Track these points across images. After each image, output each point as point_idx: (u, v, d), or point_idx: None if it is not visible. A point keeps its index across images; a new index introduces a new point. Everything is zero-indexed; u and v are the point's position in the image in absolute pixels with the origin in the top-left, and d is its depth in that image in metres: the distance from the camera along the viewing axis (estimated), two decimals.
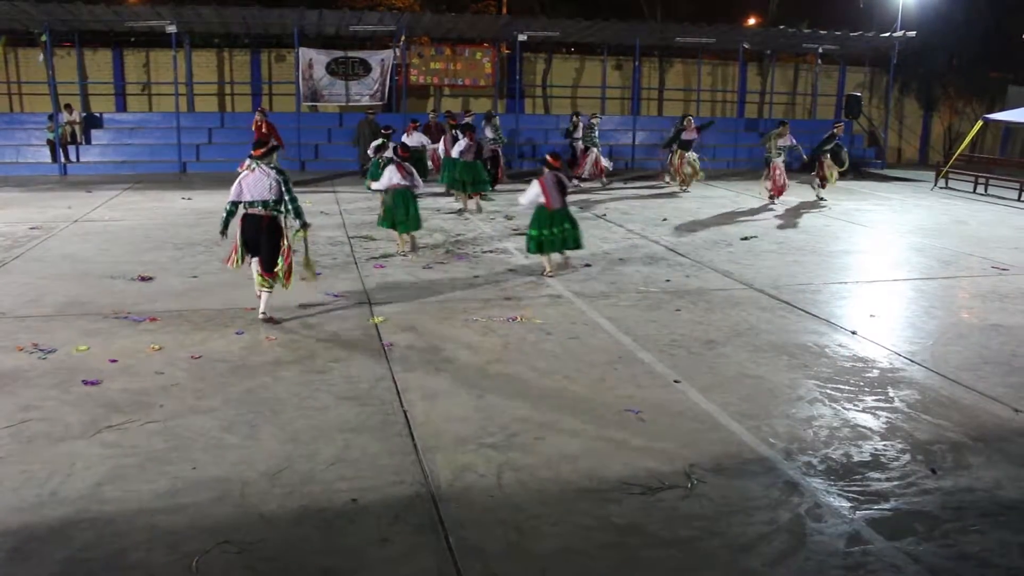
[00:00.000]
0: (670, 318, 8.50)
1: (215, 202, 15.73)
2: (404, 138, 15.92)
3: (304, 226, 8.11)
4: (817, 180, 17.88)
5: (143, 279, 9.68)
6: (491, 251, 11.65)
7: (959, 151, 22.24)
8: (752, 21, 32.99)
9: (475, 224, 13.91)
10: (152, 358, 6.95)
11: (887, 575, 4.09)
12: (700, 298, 9.35)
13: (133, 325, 7.88)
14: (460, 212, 15.17)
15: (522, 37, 22.56)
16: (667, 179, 19.88)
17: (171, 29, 20.28)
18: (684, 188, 18.97)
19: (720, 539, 4.38)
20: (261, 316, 8.06)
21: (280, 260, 7.92)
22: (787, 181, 17.34)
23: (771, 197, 17.21)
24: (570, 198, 10.54)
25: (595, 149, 19.68)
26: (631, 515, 4.59)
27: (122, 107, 24.25)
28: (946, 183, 21.72)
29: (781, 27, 25.75)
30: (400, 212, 11.20)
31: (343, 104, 22.85)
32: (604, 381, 6.64)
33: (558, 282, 9.90)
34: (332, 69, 22.20)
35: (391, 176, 11.11)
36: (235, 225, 8.03)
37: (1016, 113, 21.56)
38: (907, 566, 4.16)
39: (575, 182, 19.24)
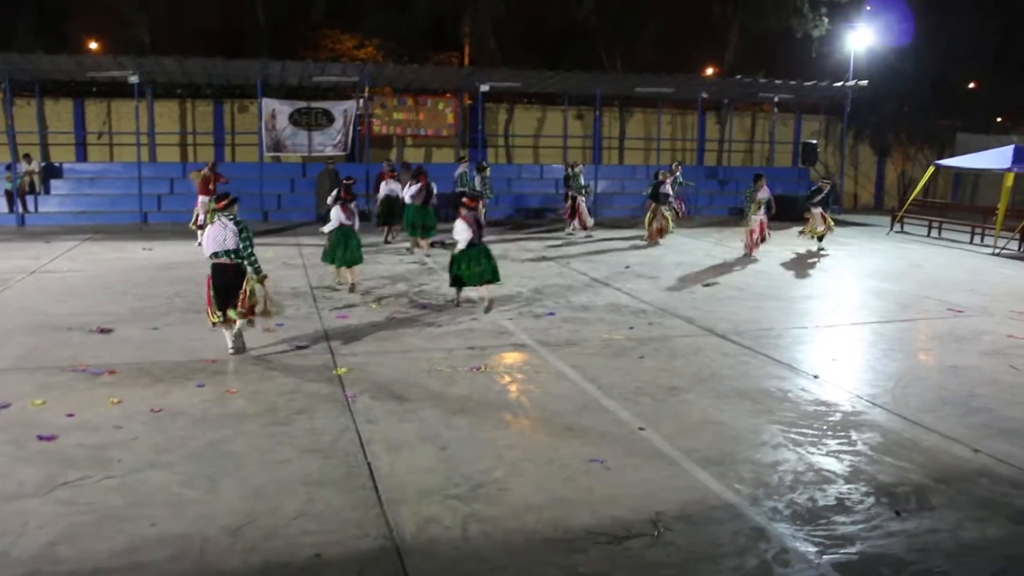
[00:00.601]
0: (634, 365, 8.53)
1: (176, 253, 15.61)
2: (382, 185, 17.21)
3: (260, 277, 8.55)
4: (808, 233, 17.76)
5: (102, 331, 9.52)
6: (454, 300, 11.63)
7: (912, 196, 22.75)
8: (710, 71, 33.66)
9: (438, 273, 13.91)
10: (110, 412, 6.82)
11: None
12: (663, 345, 9.40)
13: (91, 378, 7.75)
14: (409, 250, 15.83)
15: (484, 87, 22.80)
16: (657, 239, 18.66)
17: (133, 79, 20.25)
18: (657, 241, 18.31)
19: None
20: (230, 351, 8.55)
21: (238, 304, 8.41)
22: (768, 233, 16.73)
23: (747, 252, 16.50)
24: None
25: (579, 197, 19.57)
26: (598, 564, 4.55)
27: (82, 157, 24.07)
28: (901, 227, 22.17)
29: (738, 77, 26.29)
30: (340, 249, 12.09)
31: (306, 154, 22.89)
32: (569, 430, 6.62)
33: (521, 331, 9.91)
34: (295, 119, 22.26)
35: (337, 216, 12.11)
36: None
37: (965, 159, 22.13)
38: None
39: (580, 233, 19.43)
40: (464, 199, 11.37)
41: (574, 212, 19.67)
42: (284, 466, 5.80)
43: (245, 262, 8.39)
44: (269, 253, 15.72)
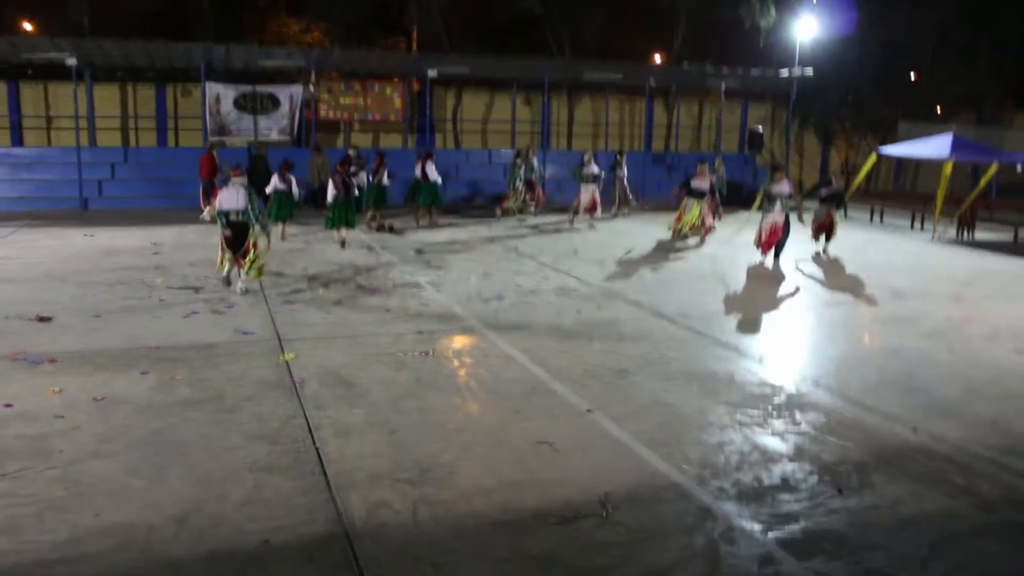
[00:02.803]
0: (582, 348, 8.58)
1: (119, 239, 15.32)
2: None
3: (265, 230, 10.79)
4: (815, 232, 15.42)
5: (41, 319, 9.30)
6: (403, 285, 11.59)
7: (856, 183, 23.17)
8: (657, 58, 33.87)
9: (387, 258, 13.85)
10: (51, 401, 6.67)
11: None
12: (611, 328, 9.47)
13: (31, 367, 7.57)
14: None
15: (432, 73, 22.69)
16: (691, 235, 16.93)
17: (71, 62, 19.76)
18: (696, 238, 16.65)
19: (636, 566, 4.41)
20: (233, 286, 10.78)
21: (252, 252, 10.65)
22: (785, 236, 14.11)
23: (763, 251, 14.26)
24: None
25: (585, 186, 18.65)
26: (547, 546, 4.58)
27: (19, 141, 23.47)
28: (845, 213, 22.54)
29: (685, 65, 26.51)
30: (275, 207, 15.43)
31: (252, 139, 22.57)
32: (518, 413, 6.64)
33: (470, 315, 9.91)
34: (240, 104, 21.91)
35: (274, 183, 15.60)
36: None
37: (906, 147, 22.59)
38: None
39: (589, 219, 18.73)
40: (338, 165, 15.31)
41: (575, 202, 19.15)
42: (231, 453, 5.73)
43: (252, 219, 10.51)
44: (215, 239, 15.51)
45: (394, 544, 4.57)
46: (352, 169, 16.32)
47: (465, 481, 5.37)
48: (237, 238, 10.60)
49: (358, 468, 5.52)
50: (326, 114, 24.48)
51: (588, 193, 18.71)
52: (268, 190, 15.45)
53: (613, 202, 20.73)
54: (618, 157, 21.18)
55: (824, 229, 15.43)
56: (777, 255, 14.19)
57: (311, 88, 22.86)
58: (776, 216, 13.91)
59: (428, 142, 24.21)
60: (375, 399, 6.89)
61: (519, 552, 4.52)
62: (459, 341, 8.84)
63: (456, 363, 8.01)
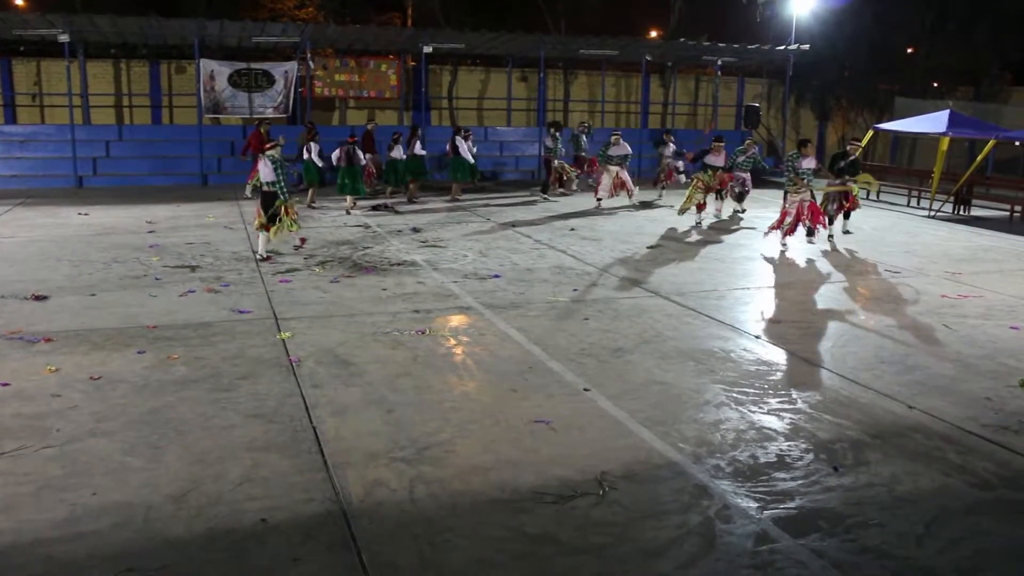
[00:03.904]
0: (578, 327, 8.58)
1: (114, 217, 15.26)
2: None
3: (285, 201, 11.59)
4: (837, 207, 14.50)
5: (37, 298, 9.28)
6: (399, 264, 11.58)
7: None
8: (654, 34, 33.69)
9: (383, 236, 13.82)
10: (47, 380, 6.67)
11: (794, 572, 4.20)
12: (607, 306, 9.47)
13: (27, 346, 7.56)
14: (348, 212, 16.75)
15: (427, 49, 22.54)
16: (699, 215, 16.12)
17: (63, 38, 19.59)
18: (695, 216, 15.95)
19: (632, 544, 4.43)
20: (258, 257, 11.68)
21: (277, 218, 11.57)
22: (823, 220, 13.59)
23: (783, 242, 13.54)
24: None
25: (608, 168, 17.98)
26: (543, 524, 4.60)
27: (11, 119, 23.30)
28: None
29: (682, 40, 26.35)
30: (308, 175, 17.47)
31: (247, 116, 22.45)
32: (515, 391, 6.65)
33: (467, 293, 9.91)
34: (234, 81, 21.79)
35: (309, 156, 17.29)
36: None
37: (904, 123, 22.50)
38: (812, 562, 4.29)
39: (598, 204, 18.04)
40: (348, 138, 16.76)
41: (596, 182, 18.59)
42: (228, 432, 5.74)
43: (278, 189, 11.43)
44: (210, 217, 15.46)
45: (391, 522, 4.59)
46: (389, 144, 18.46)
47: (462, 460, 5.39)
48: (267, 206, 11.59)
49: (355, 447, 5.53)
50: (321, 91, 24.33)
51: (611, 175, 18.00)
52: (306, 157, 17.29)
53: (656, 180, 20.77)
54: (665, 136, 21.28)
55: (844, 203, 14.48)
56: (811, 233, 13.59)
57: (310, 63, 22.73)
58: (804, 195, 13.06)
59: (424, 119, 24.06)
60: (372, 378, 6.89)
61: (516, 530, 4.54)
62: (456, 320, 8.84)
63: (453, 342, 8.01)
